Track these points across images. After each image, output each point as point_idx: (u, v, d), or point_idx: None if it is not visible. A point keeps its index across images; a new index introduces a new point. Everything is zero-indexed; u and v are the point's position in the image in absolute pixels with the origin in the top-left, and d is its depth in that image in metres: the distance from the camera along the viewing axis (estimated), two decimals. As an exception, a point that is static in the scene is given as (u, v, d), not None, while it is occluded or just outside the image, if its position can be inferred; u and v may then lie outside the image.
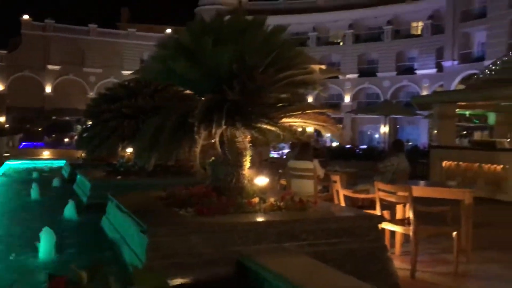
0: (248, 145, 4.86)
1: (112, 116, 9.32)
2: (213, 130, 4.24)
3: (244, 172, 4.88)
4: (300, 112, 4.87)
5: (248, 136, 4.79)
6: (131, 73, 16.78)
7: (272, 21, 5.08)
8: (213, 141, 4.44)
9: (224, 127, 4.34)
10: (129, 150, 9.93)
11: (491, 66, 15.10)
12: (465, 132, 24.60)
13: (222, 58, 4.45)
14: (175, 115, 4.62)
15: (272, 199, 4.73)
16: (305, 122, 4.92)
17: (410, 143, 30.87)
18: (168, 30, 37.53)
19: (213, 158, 4.91)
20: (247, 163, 4.88)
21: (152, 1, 77.40)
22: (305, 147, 7.31)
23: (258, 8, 39.18)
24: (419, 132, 35.18)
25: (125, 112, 9.21)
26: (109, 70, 40.89)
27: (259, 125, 4.47)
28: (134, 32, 43.41)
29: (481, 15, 31.27)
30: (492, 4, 30.08)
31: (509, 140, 12.75)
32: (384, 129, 31.58)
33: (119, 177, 9.17)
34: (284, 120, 4.74)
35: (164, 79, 5.55)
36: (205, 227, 3.93)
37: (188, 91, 5.75)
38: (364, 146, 31.56)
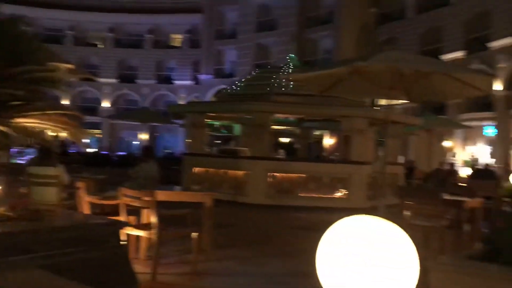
0: (-29, 147, 4.20)
1: None
2: None
3: (-35, 179, 4.19)
4: (39, 113, 4.45)
5: (-28, 137, 4.14)
6: None
7: (21, 12, 4.54)
8: None
9: None
10: None
11: (237, 82, 16.87)
12: (219, 142, 26.61)
13: None
14: None
15: (1, 209, 4.18)
16: (43, 124, 4.51)
17: (168, 151, 31.91)
18: None
19: None
20: (-31, 168, 4.21)
21: None
22: (47, 152, 6.75)
23: (5, -4, 34.82)
24: (177, 140, 36.64)
25: None
26: None
27: (-16, 124, 3.91)
28: None
29: (232, 36, 34.64)
30: (241, 27, 33.68)
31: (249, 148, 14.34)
32: (143, 136, 31.86)
33: None
34: (18, 120, 4.25)
35: None
36: None
37: None
38: (123, 153, 31.20)
